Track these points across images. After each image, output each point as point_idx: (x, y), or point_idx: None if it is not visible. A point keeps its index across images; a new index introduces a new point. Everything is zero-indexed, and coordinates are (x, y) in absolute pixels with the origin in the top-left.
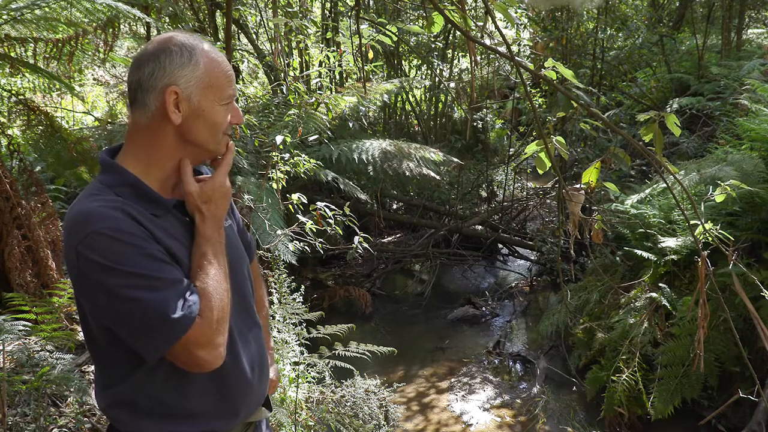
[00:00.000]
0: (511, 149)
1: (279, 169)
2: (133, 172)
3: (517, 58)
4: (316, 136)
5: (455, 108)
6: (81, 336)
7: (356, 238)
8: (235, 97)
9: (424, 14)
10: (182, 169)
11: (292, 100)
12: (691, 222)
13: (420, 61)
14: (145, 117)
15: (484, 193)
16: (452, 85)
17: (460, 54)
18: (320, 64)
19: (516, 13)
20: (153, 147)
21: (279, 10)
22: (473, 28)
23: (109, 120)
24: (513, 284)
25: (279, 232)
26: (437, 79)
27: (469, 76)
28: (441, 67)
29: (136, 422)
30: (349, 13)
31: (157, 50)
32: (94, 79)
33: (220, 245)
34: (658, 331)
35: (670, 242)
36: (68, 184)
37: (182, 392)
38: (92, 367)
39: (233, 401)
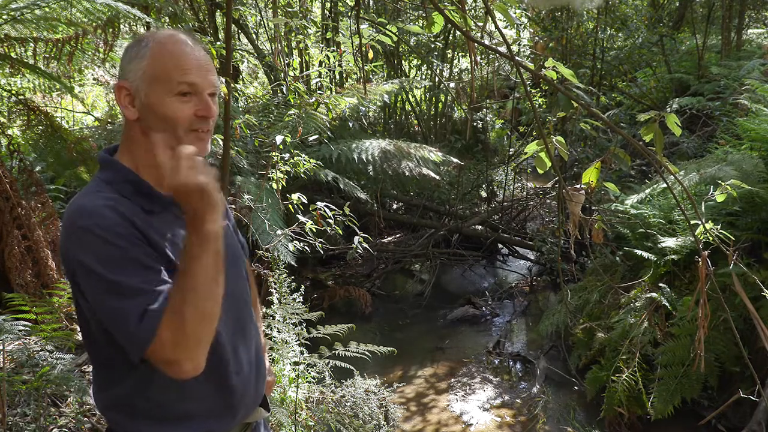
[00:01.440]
0: (511, 149)
1: (279, 169)
2: (131, 168)
3: (517, 58)
4: (316, 136)
5: (455, 108)
6: (81, 336)
7: (356, 238)
8: (205, 88)
9: (424, 14)
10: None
11: (292, 100)
12: (692, 222)
13: (420, 61)
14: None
15: (484, 193)
16: (452, 85)
17: (460, 54)
18: (320, 64)
19: (516, 13)
20: (133, 143)
21: (279, 10)
22: (473, 28)
23: (109, 120)
24: (513, 284)
25: (279, 232)
26: (437, 79)
27: (469, 76)
28: (441, 67)
29: (134, 424)
30: (349, 13)
31: (126, 47)
32: (94, 79)
33: (207, 244)
34: (658, 331)
35: (670, 242)
36: (68, 184)
37: (180, 394)
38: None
39: (231, 402)
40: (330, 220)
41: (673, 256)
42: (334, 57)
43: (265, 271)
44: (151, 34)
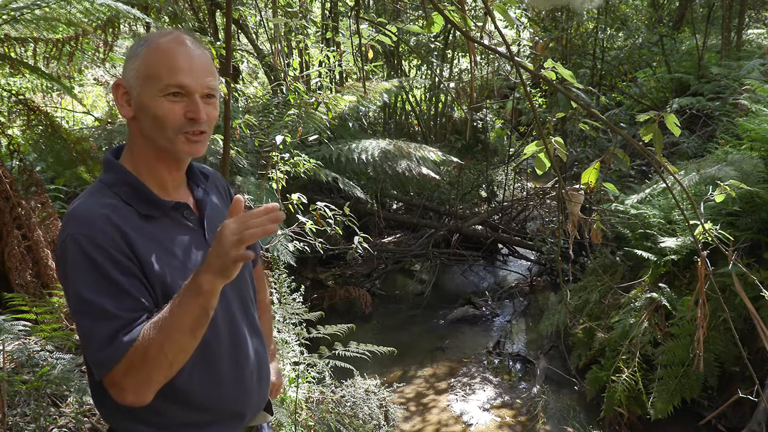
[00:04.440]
0: (511, 149)
1: (279, 169)
2: (131, 170)
3: (516, 58)
4: (316, 136)
5: (455, 108)
6: None
7: (356, 238)
8: (196, 90)
9: (424, 14)
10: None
11: (292, 100)
12: (691, 222)
13: (420, 61)
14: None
15: (484, 193)
16: (452, 85)
17: (460, 54)
18: (320, 64)
19: (516, 13)
20: (134, 145)
21: (279, 10)
22: (473, 28)
23: (109, 120)
24: (513, 284)
25: (279, 232)
26: (437, 79)
27: (469, 76)
28: (441, 67)
29: (135, 426)
30: (349, 13)
31: (130, 46)
32: (94, 79)
33: (197, 297)
34: (658, 331)
35: (670, 242)
36: (68, 184)
37: (179, 401)
38: None
39: (231, 410)
40: (330, 220)
41: (672, 256)
42: (334, 57)
43: (265, 271)
44: (153, 33)
